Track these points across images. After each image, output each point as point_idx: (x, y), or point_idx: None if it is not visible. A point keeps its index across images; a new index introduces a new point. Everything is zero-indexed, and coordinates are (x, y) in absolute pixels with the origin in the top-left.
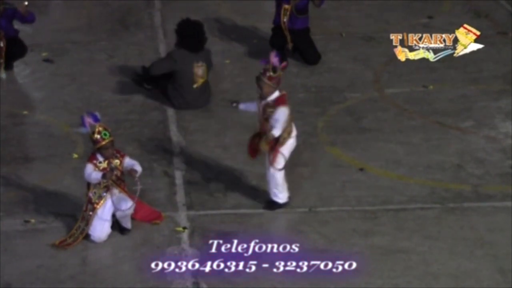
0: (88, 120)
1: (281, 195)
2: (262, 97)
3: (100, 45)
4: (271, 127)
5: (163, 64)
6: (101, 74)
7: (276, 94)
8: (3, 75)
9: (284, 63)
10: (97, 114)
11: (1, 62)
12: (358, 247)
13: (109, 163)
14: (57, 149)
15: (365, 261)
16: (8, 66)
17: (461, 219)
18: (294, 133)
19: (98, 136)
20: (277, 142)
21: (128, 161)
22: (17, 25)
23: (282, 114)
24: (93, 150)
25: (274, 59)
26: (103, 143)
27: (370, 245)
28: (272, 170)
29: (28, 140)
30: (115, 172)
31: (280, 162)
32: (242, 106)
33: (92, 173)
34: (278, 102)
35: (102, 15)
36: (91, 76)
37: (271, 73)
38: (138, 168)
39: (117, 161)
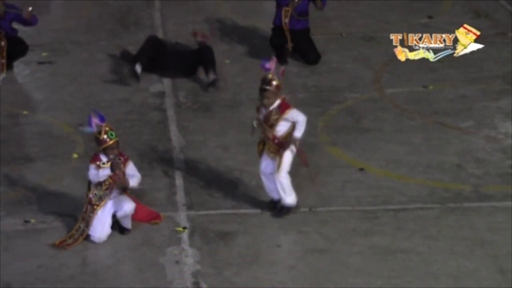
0: (95, 120)
1: (289, 198)
2: (266, 106)
3: (100, 45)
4: (295, 131)
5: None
6: (101, 74)
7: (278, 101)
8: (3, 75)
9: (282, 68)
10: (103, 114)
11: (3, 62)
12: (358, 247)
13: (111, 164)
14: (57, 149)
15: (365, 261)
16: (9, 66)
17: (461, 219)
18: None
19: (105, 136)
20: (283, 147)
21: (131, 168)
22: (16, 25)
23: (297, 113)
24: (97, 151)
25: (272, 65)
26: (110, 143)
27: (370, 245)
28: (279, 175)
29: (28, 140)
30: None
31: (288, 166)
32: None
33: (99, 172)
34: (284, 108)
35: (102, 15)
36: (91, 76)
37: (277, 82)
38: (133, 183)
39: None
